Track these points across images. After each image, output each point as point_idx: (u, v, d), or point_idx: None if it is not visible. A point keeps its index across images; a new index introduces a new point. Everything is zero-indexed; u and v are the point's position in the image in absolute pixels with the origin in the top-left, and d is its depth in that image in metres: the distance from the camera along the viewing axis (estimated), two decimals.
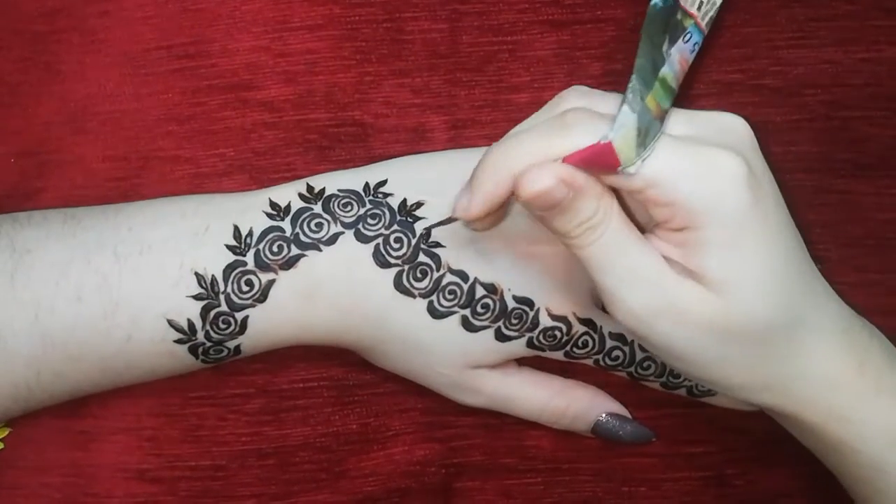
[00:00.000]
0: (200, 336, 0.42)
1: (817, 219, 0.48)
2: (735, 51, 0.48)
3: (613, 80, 0.48)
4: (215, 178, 0.48)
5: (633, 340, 0.44)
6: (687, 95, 0.48)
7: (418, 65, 0.48)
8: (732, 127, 0.39)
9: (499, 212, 0.40)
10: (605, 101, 0.40)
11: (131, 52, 0.48)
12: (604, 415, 0.46)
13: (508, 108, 0.48)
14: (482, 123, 0.48)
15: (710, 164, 0.37)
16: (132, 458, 0.48)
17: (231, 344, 0.43)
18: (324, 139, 0.48)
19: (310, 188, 0.43)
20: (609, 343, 0.44)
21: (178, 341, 0.42)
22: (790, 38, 0.48)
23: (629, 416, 0.47)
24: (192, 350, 0.43)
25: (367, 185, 0.44)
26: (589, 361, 0.45)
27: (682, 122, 0.39)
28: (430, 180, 0.44)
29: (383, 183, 0.44)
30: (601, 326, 0.44)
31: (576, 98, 0.40)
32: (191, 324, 0.42)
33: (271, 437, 0.48)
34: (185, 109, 0.48)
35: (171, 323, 0.42)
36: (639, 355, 0.45)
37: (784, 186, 0.48)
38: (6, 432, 0.47)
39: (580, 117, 0.37)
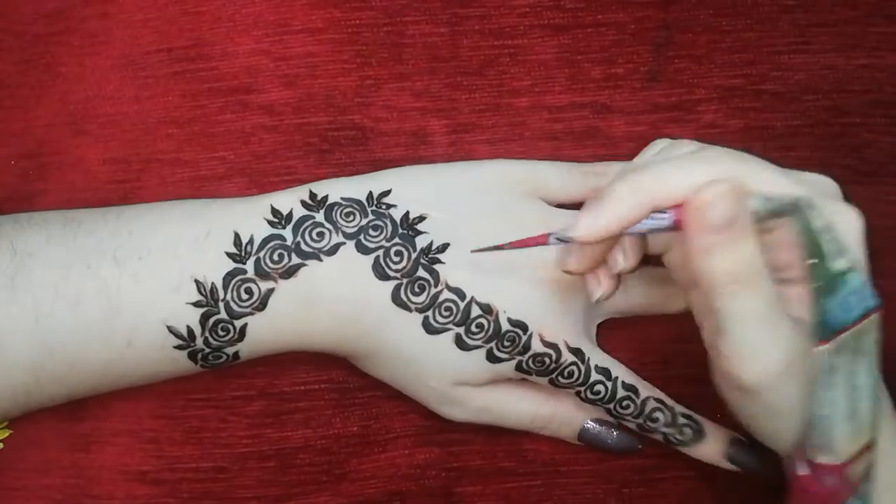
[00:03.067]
0: (199, 342, 0.42)
1: None
2: (736, 56, 0.48)
3: (614, 85, 0.48)
4: (215, 181, 0.48)
5: (616, 377, 0.45)
6: (687, 100, 0.48)
7: (419, 68, 0.48)
8: (828, 185, 0.40)
9: (601, 252, 0.40)
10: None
11: (131, 55, 0.48)
12: (589, 421, 0.46)
13: (509, 111, 0.48)
14: (483, 127, 0.48)
15: (844, 215, 0.37)
16: (133, 459, 0.48)
17: (230, 350, 0.43)
18: (324, 143, 0.48)
19: (312, 195, 0.43)
20: (594, 376, 0.44)
21: (178, 347, 0.42)
22: (791, 44, 0.48)
23: (614, 423, 0.47)
24: (192, 356, 0.43)
25: (370, 194, 0.44)
26: (571, 392, 0.45)
27: (795, 180, 0.38)
28: (434, 193, 0.44)
29: (387, 193, 0.44)
30: (589, 358, 0.44)
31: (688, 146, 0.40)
32: (190, 330, 0.42)
33: (272, 440, 0.48)
34: (186, 112, 0.48)
35: (170, 329, 0.42)
36: (619, 393, 0.45)
37: None
38: (7, 434, 0.48)
39: (720, 153, 0.38)
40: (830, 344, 0.36)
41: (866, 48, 0.48)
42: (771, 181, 0.37)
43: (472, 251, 0.41)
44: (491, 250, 0.40)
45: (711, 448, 0.46)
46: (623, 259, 0.40)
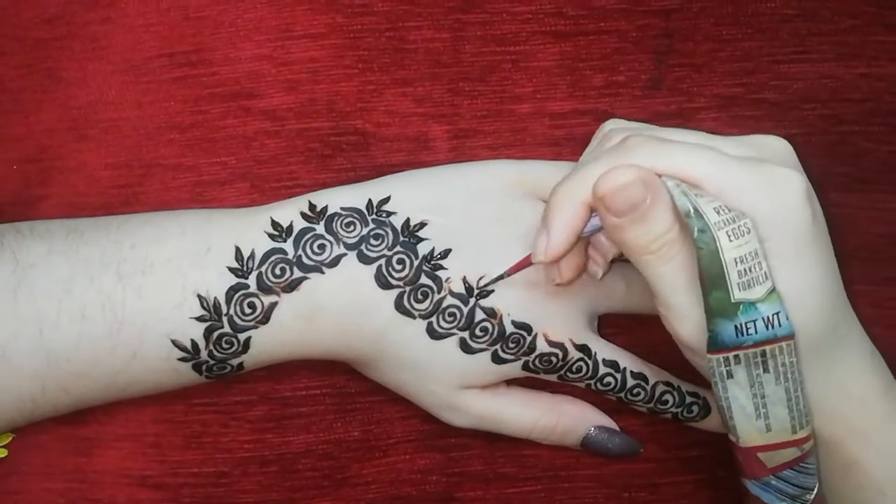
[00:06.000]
0: (204, 355, 0.43)
1: None
2: (736, 65, 0.48)
3: (615, 92, 0.48)
4: (217, 186, 0.48)
5: (625, 367, 0.45)
6: (687, 109, 0.48)
7: (420, 74, 0.48)
8: (779, 147, 0.41)
9: (578, 257, 0.42)
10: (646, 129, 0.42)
11: (133, 60, 0.48)
12: (592, 429, 0.47)
13: (511, 118, 0.48)
14: (484, 133, 0.48)
15: (774, 179, 0.38)
16: (135, 464, 0.48)
17: (234, 362, 0.43)
18: (325, 148, 0.48)
19: (312, 206, 0.43)
20: (602, 370, 0.45)
21: (182, 359, 0.42)
22: (791, 53, 0.48)
23: (617, 428, 0.47)
24: (196, 367, 0.43)
25: (370, 201, 0.44)
26: (581, 385, 0.45)
27: (735, 144, 0.40)
28: (434, 198, 0.44)
29: (386, 200, 0.44)
30: (595, 353, 0.45)
31: (619, 128, 0.42)
32: (194, 344, 0.42)
33: (274, 445, 0.48)
34: (187, 117, 0.48)
35: (174, 343, 0.42)
36: (629, 382, 0.45)
37: None
38: (10, 438, 0.48)
39: (640, 141, 0.39)
40: (719, 356, 0.37)
41: (865, 57, 0.48)
42: (690, 164, 0.38)
43: (482, 285, 0.43)
44: (496, 281, 0.43)
45: (717, 420, 0.47)
46: (597, 265, 0.43)
